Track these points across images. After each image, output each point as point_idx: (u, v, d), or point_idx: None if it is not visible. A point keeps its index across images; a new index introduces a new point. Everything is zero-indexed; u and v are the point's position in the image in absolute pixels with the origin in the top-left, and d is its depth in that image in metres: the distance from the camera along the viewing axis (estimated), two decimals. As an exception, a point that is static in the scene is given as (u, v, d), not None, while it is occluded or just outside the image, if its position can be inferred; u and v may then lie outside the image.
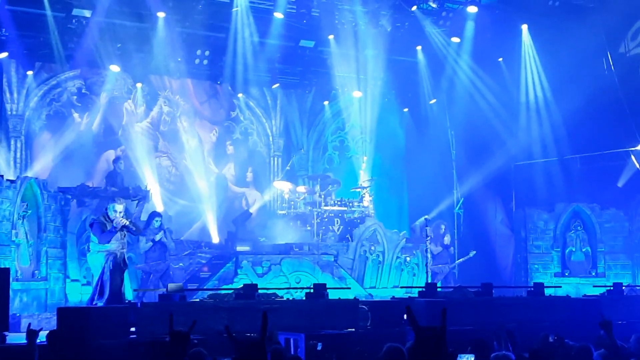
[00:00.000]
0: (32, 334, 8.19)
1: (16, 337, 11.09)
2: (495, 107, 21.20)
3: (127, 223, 13.70)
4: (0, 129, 20.36)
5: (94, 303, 13.23)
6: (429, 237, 18.12)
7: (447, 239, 20.64)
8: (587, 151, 20.10)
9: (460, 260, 20.68)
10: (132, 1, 18.87)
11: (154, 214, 17.99)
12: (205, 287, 16.47)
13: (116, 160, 19.92)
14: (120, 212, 13.69)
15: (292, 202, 21.16)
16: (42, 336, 10.65)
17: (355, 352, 8.87)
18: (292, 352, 10.25)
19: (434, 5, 20.07)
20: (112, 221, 13.57)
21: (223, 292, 13.74)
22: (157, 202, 20.85)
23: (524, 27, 20.94)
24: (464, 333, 10.91)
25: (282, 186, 21.63)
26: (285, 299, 13.97)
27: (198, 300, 13.64)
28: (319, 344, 10.03)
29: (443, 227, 20.64)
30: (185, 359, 5.29)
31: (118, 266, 13.64)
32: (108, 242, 13.56)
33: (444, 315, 3.94)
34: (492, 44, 21.21)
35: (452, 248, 20.98)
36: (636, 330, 9.91)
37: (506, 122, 21.35)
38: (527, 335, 10.46)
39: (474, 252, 20.38)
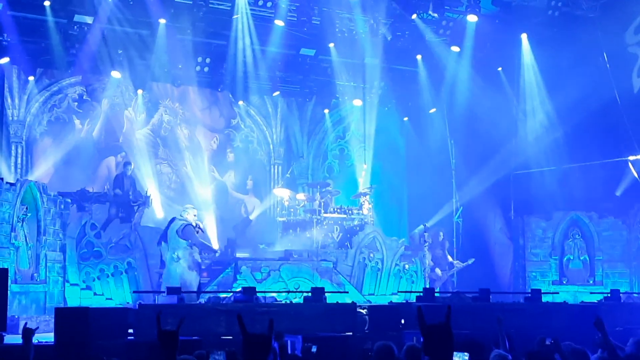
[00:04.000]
0: (28, 332, 8.18)
1: (14, 339, 11.13)
2: (495, 117, 21.22)
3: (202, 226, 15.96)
4: (2, 135, 20.42)
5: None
6: (427, 243, 18.16)
7: (446, 245, 20.70)
8: (585, 160, 20.13)
9: (459, 265, 20.59)
10: (133, 8, 18.98)
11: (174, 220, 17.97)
12: (204, 290, 16.53)
13: (126, 164, 20.11)
14: (195, 216, 15.99)
15: (292, 209, 21.22)
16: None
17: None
18: (290, 353, 10.29)
19: (434, 14, 20.14)
20: (190, 224, 15.52)
21: (222, 295, 13.82)
22: (157, 208, 20.94)
23: (524, 36, 20.99)
24: (461, 337, 10.94)
25: (282, 193, 21.70)
26: (283, 302, 14.03)
27: (197, 303, 13.69)
28: (314, 346, 10.04)
29: (441, 234, 20.65)
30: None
31: None
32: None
33: (448, 312, 4.10)
34: (491, 53, 21.30)
35: (450, 257, 21.00)
36: (634, 336, 9.95)
37: (505, 131, 21.39)
38: (524, 340, 10.49)
39: (473, 259, 20.40)
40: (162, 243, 17.25)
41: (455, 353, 7.59)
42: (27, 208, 15.63)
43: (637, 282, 19.41)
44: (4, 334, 10.67)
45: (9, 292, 14.01)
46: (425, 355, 4.12)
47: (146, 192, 19.76)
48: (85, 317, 10.68)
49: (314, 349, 9.78)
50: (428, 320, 4.75)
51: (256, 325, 11.71)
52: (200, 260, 16.74)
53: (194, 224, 16.29)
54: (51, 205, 16.38)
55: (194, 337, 10.74)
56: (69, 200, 17.48)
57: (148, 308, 11.76)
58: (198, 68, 21.41)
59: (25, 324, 8.63)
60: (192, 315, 11.65)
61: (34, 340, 8.70)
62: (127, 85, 21.92)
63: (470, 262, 20.42)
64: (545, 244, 20.19)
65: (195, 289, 13.96)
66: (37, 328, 8.77)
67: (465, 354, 7.52)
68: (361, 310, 13.11)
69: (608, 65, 19.36)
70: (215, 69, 21.68)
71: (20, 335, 8.44)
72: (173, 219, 17.32)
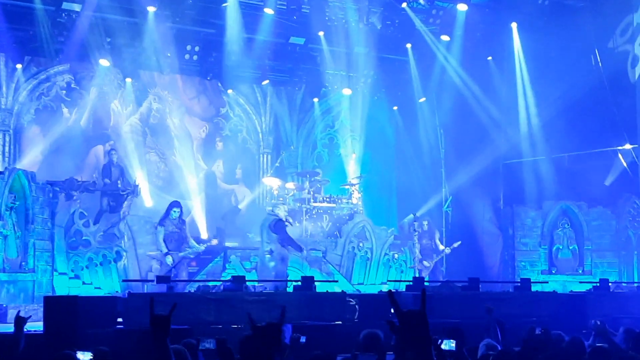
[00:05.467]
0: (20, 320, 8.13)
1: (2, 327, 11.08)
2: (484, 106, 21.23)
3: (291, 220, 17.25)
4: (-11, 123, 20.31)
5: None
6: (416, 232, 18.13)
7: (437, 234, 20.68)
8: (575, 150, 20.15)
9: (447, 250, 20.48)
10: (122, -5, 18.89)
11: (173, 204, 17.86)
12: (193, 279, 16.51)
13: (110, 152, 20.02)
14: (286, 211, 17.05)
15: (281, 199, 21.14)
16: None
17: None
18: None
19: (425, 3, 20.10)
20: (281, 219, 16.34)
21: (211, 284, 13.80)
22: (145, 197, 20.85)
23: (514, 25, 20.95)
24: (448, 325, 10.95)
25: (271, 182, 21.63)
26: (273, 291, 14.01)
27: (186, 292, 13.67)
28: (303, 337, 10.03)
29: (425, 223, 20.51)
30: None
31: None
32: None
33: (423, 296, 3.94)
34: (481, 42, 21.27)
35: (441, 245, 20.99)
36: (623, 324, 10.01)
37: (495, 120, 21.39)
38: (514, 329, 10.52)
39: (460, 242, 20.36)
40: (157, 227, 17.25)
41: (443, 341, 7.65)
42: (15, 196, 15.56)
43: (626, 271, 19.46)
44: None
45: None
46: (400, 343, 4.00)
47: (134, 180, 19.68)
48: (74, 306, 10.63)
49: (302, 340, 9.76)
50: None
51: (245, 314, 11.74)
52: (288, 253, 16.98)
53: (284, 219, 16.70)
54: (39, 193, 16.30)
55: (183, 326, 10.73)
56: (58, 189, 17.39)
57: (137, 297, 11.72)
58: (187, 56, 21.34)
59: (18, 312, 8.59)
60: (181, 304, 11.60)
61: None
62: (115, 73, 21.78)
63: (456, 245, 20.34)
64: (535, 234, 20.19)
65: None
66: (30, 317, 8.73)
67: (452, 340, 7.58)
68: (350, 299, 13.09)
69: (599, 60, 19.36)
70: (205, 58, 21.61)
71: (10, 324, 8.42)
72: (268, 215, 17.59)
